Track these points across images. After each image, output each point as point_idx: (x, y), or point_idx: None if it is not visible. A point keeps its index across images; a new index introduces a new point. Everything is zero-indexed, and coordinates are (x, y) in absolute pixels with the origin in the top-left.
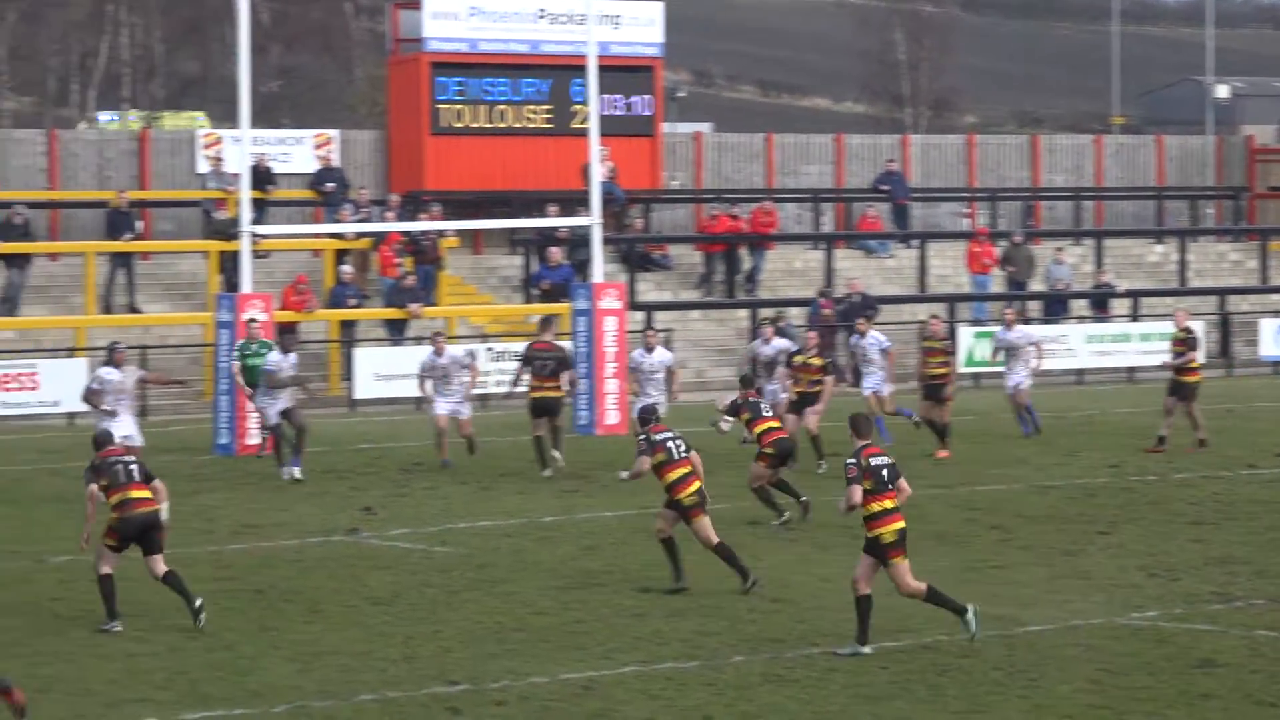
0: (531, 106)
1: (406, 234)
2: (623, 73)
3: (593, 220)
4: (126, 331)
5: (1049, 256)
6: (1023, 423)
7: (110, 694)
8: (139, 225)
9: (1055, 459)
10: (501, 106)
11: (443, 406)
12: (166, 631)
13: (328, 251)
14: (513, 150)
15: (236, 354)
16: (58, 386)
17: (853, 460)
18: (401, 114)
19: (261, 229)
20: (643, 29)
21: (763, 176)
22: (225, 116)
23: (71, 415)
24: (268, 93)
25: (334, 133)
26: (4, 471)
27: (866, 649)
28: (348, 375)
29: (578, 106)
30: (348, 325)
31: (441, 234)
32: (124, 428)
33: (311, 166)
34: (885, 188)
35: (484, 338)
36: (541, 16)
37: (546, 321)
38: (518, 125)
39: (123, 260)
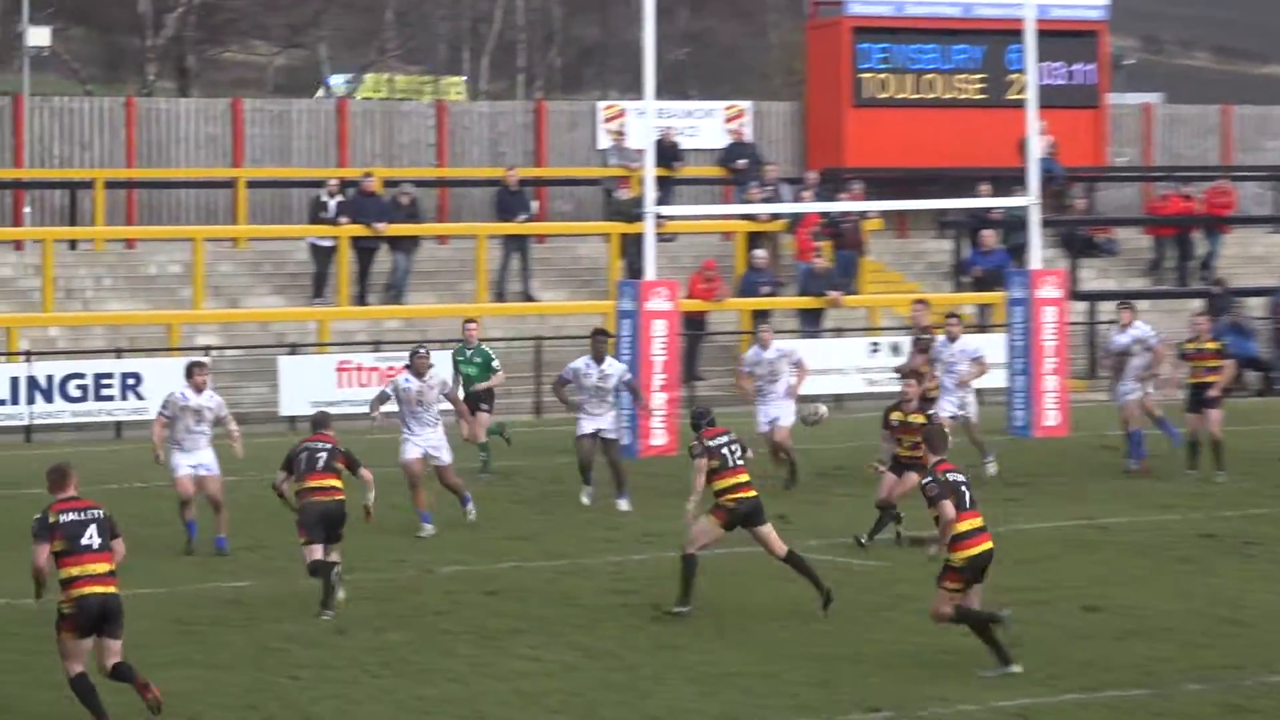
0: (963, 75)
1: (825, 215)
2: (1064, 38)
3: (1030, 200)
4: (522, 321)
5: None
6: None
7: (500, 716)
8: (534, 205)
9: None
10: (930, 75)
11: (763, 414)
12: (561, 649)
13: (739, 234)
14: (942, 123)
15: (450, 361)
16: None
17: (930, 479)
18: (820, 84)
19: (667, 209)
20: None
21: (1218, 152)
22: (628, 87)
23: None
24: (674, 61)
25: (746, 104)
26: (390, 474)
27: (1015, 667)
28: None
29: (1014, 75)
30: (760, 316)
31: (863, 215)
32: (426, 440)
33: (722, 141)
34: None
35: (909, 330)
36: None
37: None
38: (947, 96)
39: (517, 244)
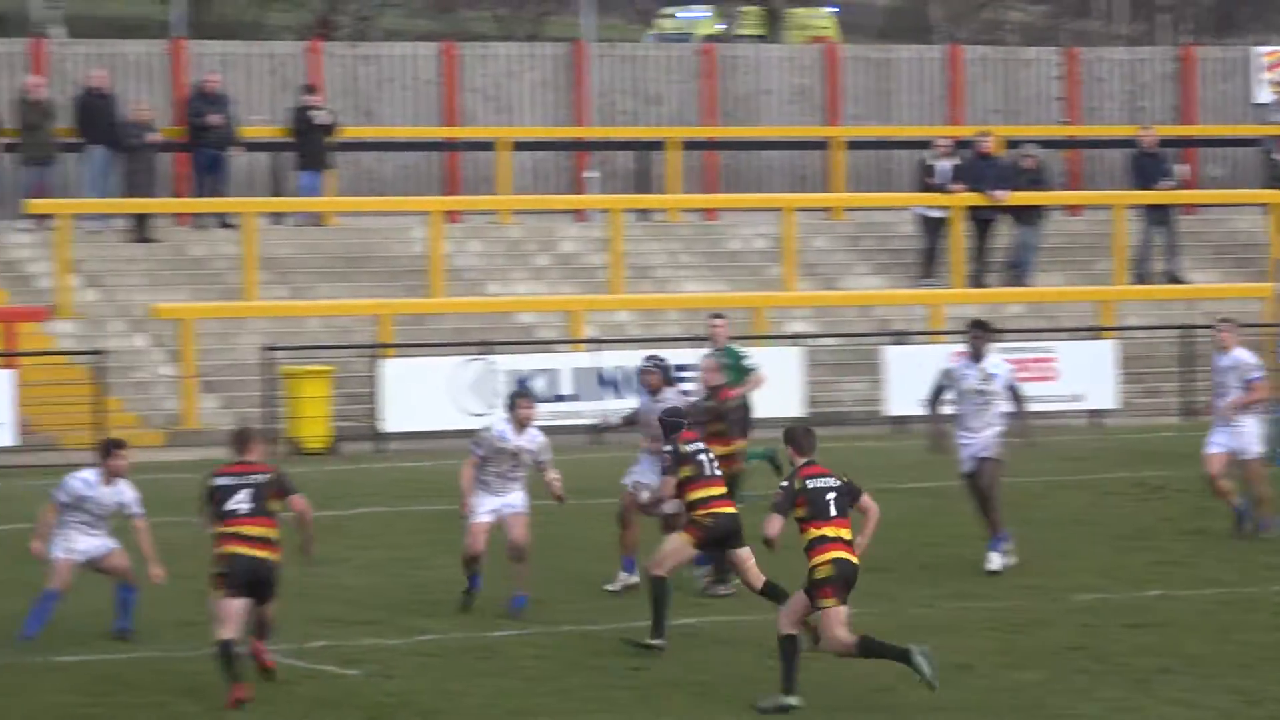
0: None
1: None
2: None
3: None
4: (1166, 307)
5: None
6: None
7: None
8: (1180, 170)
9: None
10: None
11: (1217, 442)
12: (1218, 693)
13: None
14: None
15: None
16: (1079, 376)
17: (785, 482)
18: None
19: None
20: None
21: None
22: None
23: (1095, 413)
24: None
25: None
26: (1018, 484)
27: (792, 699)
28: None
29: None
30: None
31: None
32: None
33: None
34: None
35: None
36: None
37: None
38: None
39: (1159, 215)
